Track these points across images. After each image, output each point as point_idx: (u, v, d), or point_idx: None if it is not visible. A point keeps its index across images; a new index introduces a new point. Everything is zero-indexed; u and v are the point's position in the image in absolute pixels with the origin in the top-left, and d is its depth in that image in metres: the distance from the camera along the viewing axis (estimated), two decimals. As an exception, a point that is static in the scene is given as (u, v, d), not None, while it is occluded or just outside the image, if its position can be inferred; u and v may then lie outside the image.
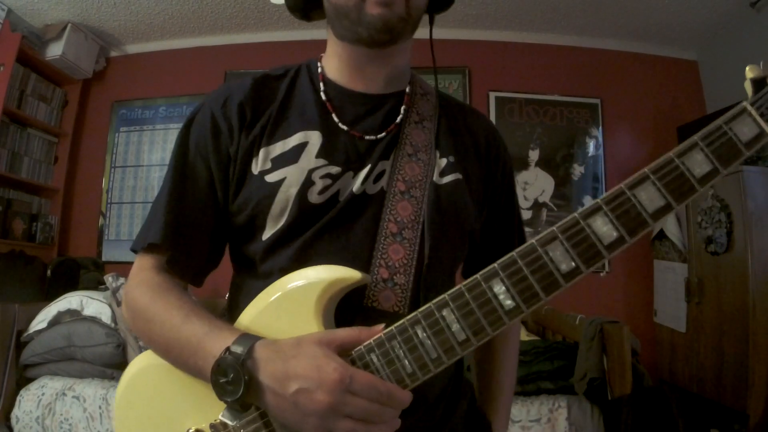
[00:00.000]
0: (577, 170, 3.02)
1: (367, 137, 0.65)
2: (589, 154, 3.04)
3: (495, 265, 0.49)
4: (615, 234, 0.47)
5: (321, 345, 0.50)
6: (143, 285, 0.61)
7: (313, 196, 0.60)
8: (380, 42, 0.62)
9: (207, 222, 0.64)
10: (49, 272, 2.62)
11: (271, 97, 0.67)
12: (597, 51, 3.15)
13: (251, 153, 0.63)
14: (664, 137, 2.97)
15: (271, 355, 0.50)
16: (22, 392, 1.87)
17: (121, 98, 3.26)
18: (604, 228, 0.47)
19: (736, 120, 0.46)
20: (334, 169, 0.62)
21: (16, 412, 1.84)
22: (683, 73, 3.13)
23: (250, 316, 0.57)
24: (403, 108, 0.68)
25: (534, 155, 3.03)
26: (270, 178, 0.61)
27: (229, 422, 0.53)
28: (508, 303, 0.48)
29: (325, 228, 0.60)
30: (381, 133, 0.65)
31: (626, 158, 3.02)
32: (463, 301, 0.50)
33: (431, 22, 0.72)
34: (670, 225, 2.65)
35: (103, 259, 3.02)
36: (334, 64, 0.69)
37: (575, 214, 0.48)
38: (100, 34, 3.13)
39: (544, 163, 3.02)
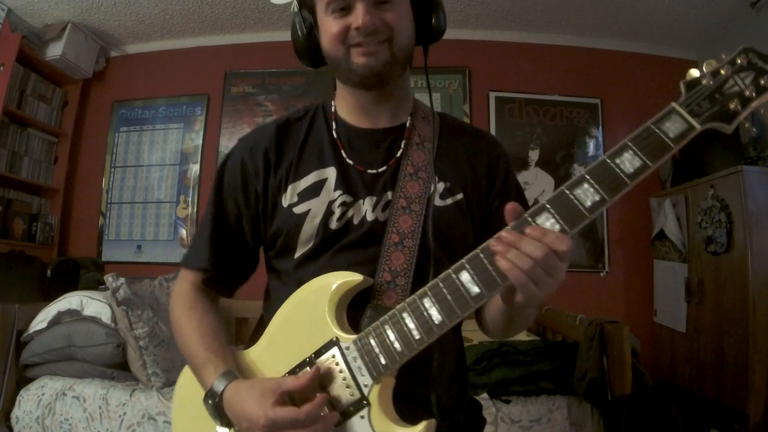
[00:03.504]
0: (577, 170, 3.01)
1: (369, 171, 0.76)
2: (589, 154, 3.04)
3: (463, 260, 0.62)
4: (558, 227, 0.57)
5: (265, 394, 0.63)
6: (182, 297, 0.80)
7: (333, 223, 0.73)
8: (371, 85, 0.74)
9: (239, 250, 0.80)
10: (49, 272, 2.61)
11: (293, 139, 0.79)
12: (597, 51, 3.15)
13: (280, 189, 0.76)
14: (664, 137, 2.96)
15: (233, 398, 0.66)
16: (22, 392, 1.87)
17: (121, 98, 3.25)
18: (547, 223, 0.57)
19: (663, 120, 0.56)
20: (348, 198, 0.74)
21: (16, 412, 1.83)
22: (683, 73, 3.12)
23: (282, 315, 0.73)
24: (402, 143, 0.78)
25: (534, 155, 3.03)
26: (297, 209, 0.74)
27: None
28: (474, 290, 0.60)
29: (344, 247, 0.73)
30: (382, 167, 0.76)
31: (626, 158, 3.01)
32: (438, 290, 0.61)
33: (426, 54, 0.81)
34: (670, 225, 2.65)
35: (103, 259, 3.02)
36: (343, 105, 0.81)
37: (525, 213, 0.59)
38: (100, 34, 3.13)
39: (544, 163, 3.02)
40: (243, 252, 0.81)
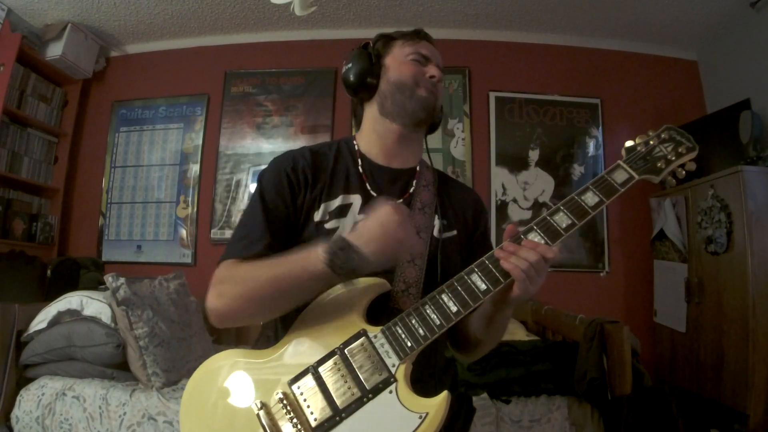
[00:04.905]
0: (577, 170, 3.02)
1: None
2: (589, 154, 3.04)
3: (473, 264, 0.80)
4: (543, 241, 0.77)
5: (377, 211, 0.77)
6: (234, 266, 0.83)
7: None
8: (419, 120, 0.94)
9: (288, 245, 0.86)
10: (49, 272, 2.61)
11: (324, 165, 0.94)
12: (597, 51, 3.15)
13: (313, 205, 0.90)
14: (664, 137, 2.96)
15: (357, 230, 0.76)
16: (22, 392, 1.87)
17: (121, 98, 3.26)
18: (536, 239, 0.78)
19: (613, 171, 0.82)
20: None
21: (16, 412, 1.84)
22: (683, 73, 3.13)
23: (308, 315, 0.82)
24: (414, 182, 0.97)
25: (534, 155, 3.03)
26: (328, 225, 0.88)
27: (289, 390, 0.77)
28: (482, 286, 0.77)
29: None
30: (399, 199, 0.94)
31: (626, 158, 3.01)
32: (454, 287, 0.79)
33: (426, 141, 1.04)
34: (670, 225, 2.65)
35: (103, 259, 3.02)
36: (367, 140, 0.99)
37: (519, 231, 0.79)
38: (100, 34, 3.13)
39: (544, 163, 3.02)
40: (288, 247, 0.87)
